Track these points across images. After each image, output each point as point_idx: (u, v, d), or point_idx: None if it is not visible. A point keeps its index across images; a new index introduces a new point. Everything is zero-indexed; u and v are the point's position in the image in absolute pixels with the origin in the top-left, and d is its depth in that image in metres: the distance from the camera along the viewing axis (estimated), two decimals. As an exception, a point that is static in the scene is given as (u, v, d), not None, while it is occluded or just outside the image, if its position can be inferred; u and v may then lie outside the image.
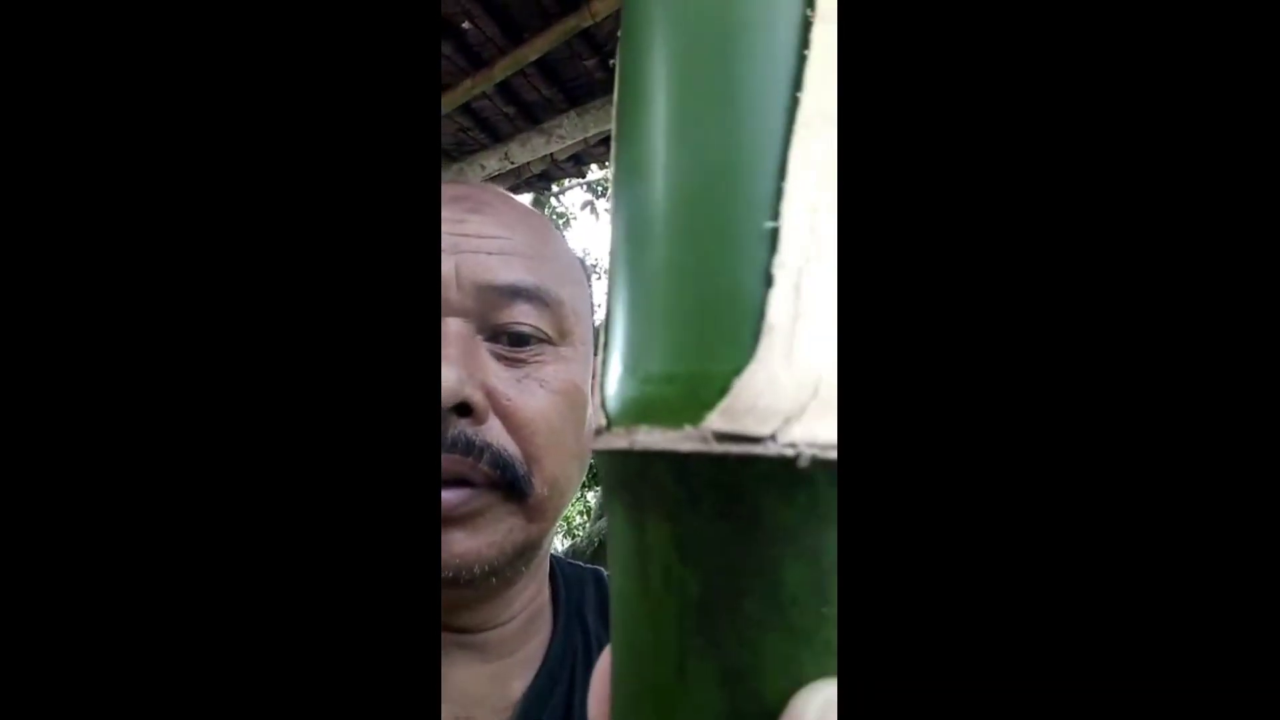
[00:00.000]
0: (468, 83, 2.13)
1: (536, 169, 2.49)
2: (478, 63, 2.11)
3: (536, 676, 0.42)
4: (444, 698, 0.38)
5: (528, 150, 2.34)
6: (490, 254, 0.38)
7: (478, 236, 0.39)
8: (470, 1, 1.91)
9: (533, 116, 2.32)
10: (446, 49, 2.05)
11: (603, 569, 0.51)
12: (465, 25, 1.98)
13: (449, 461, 0.36)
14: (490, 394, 0.38)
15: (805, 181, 0.17)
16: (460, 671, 0.40)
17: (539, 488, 0.38)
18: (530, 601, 0.43)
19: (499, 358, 0.39)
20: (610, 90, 1.72)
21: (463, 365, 0.37)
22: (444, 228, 0.38)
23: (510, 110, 2.30)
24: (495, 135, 2.38)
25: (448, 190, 0.42)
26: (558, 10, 1.91)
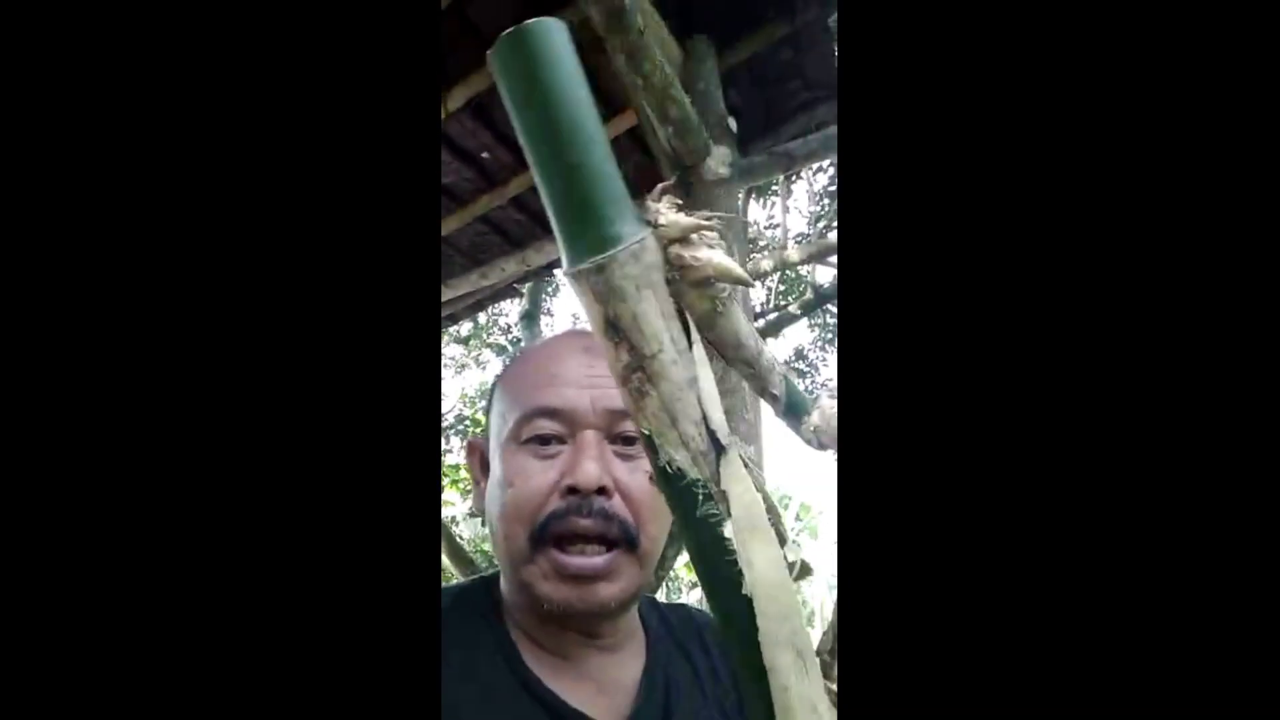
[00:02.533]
0: (485, 199, 2.47)
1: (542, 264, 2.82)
2: (494, 182, 2.45)
3: (646, 664, 0.61)
4: (590, 679, 0.57)
5: (543, 255, 2.71)
6: (611, 389, 0.56)
7: (602, 376, 0.58)
8: (488, 136, 2.25)
9: (544, 224, 2.67)
10: (468, 173, 2.40)
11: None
12: (484, 155, 2.33)
13: (594, 524, 0.54)
14: (615, 479, 0.56)
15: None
16: (599, 662, 0.59)
17: (645, 543, 0.57)
18: (633, 617, 0.63)
19: (617, 454, 0.57)
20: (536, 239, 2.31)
21: (599, 462, 0.55)
22: (582, 370, 0.58)
23: (523, 218, 2.66)
24: (513, 241, 2.74)
25: (581, 340, 0.62)
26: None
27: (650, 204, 0.30)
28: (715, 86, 1.94)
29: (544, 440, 0.57)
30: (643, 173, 2.33)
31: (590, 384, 0.57)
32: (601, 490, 0.54)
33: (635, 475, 0.56)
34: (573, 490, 0.55)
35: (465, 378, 8.64)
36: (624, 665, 0.61)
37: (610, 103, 2.11)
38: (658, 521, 0.57)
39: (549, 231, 2.73)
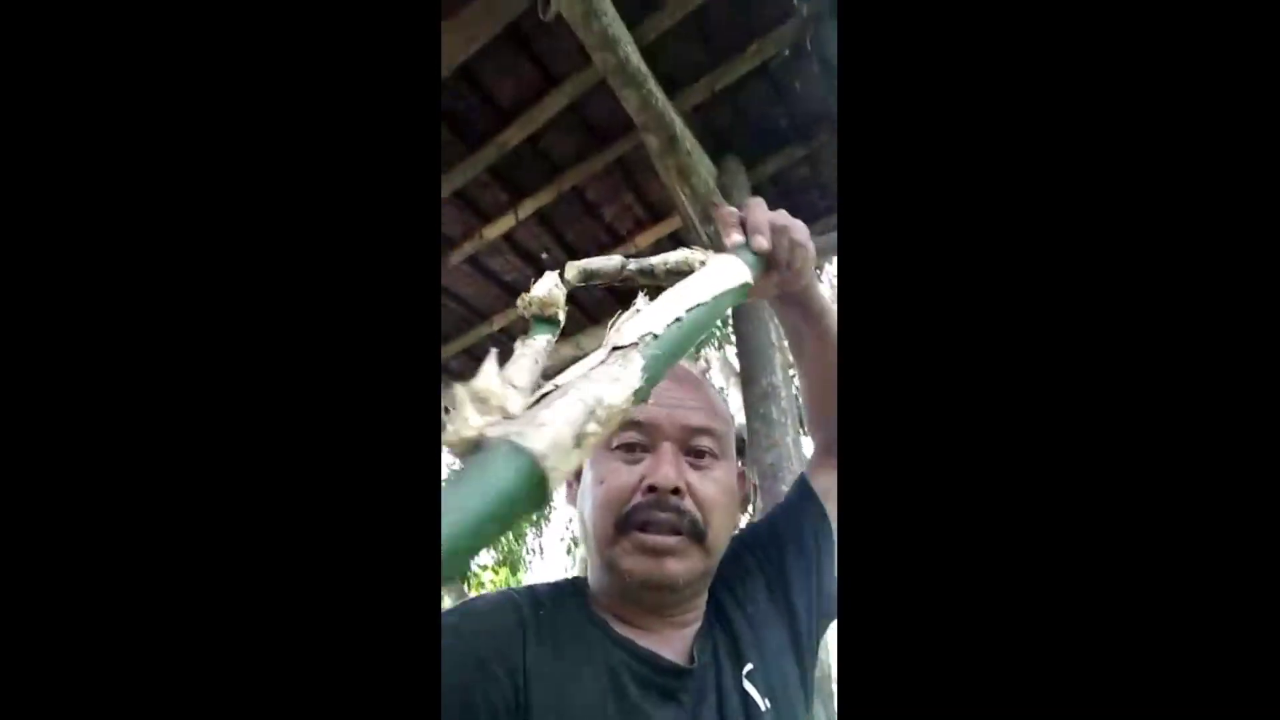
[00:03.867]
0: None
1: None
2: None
3: (699, 637, 0.69)
4: (663, 650, 0.65)
5: (594, 339, 3.02)
6: (688, 409, 0.69)
7: (680, 398, 0.69)
8: (548, 238, 2.65)
9: (592, 315, 3.06)
10: (529, 270, 2.78)
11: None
12: (544, 254, 2.71)
13: (669, 517, 0.65)
14: (688, 483, 0.67)
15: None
16: (670, 634, 0.68)
17: (710, 535, 0.67)
18: (701, 602, 0.72)
19: (690, 463, 0.68)
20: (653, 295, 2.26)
21: (675, 468, 0.66)
22: (664, 392, 0.68)
23: (570, 308, 3.02)
24: (564, 333, 3.09)
25: (674, 371, 0.69)
26: (610, 242, 2.62)
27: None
28: (746, 193, 2.26)
29: (630, 448, 0.68)
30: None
31: (670, 404, 0.69)
32: (676, 490, 0.66)
33: (704, 480, 0.68)
34: (652, 489, 0.65)
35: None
36: (685, 641, 0.70)
37: (656, 211, 2.50)
38: (721, 519, 0.69)
39: (595, 322, 3.03)
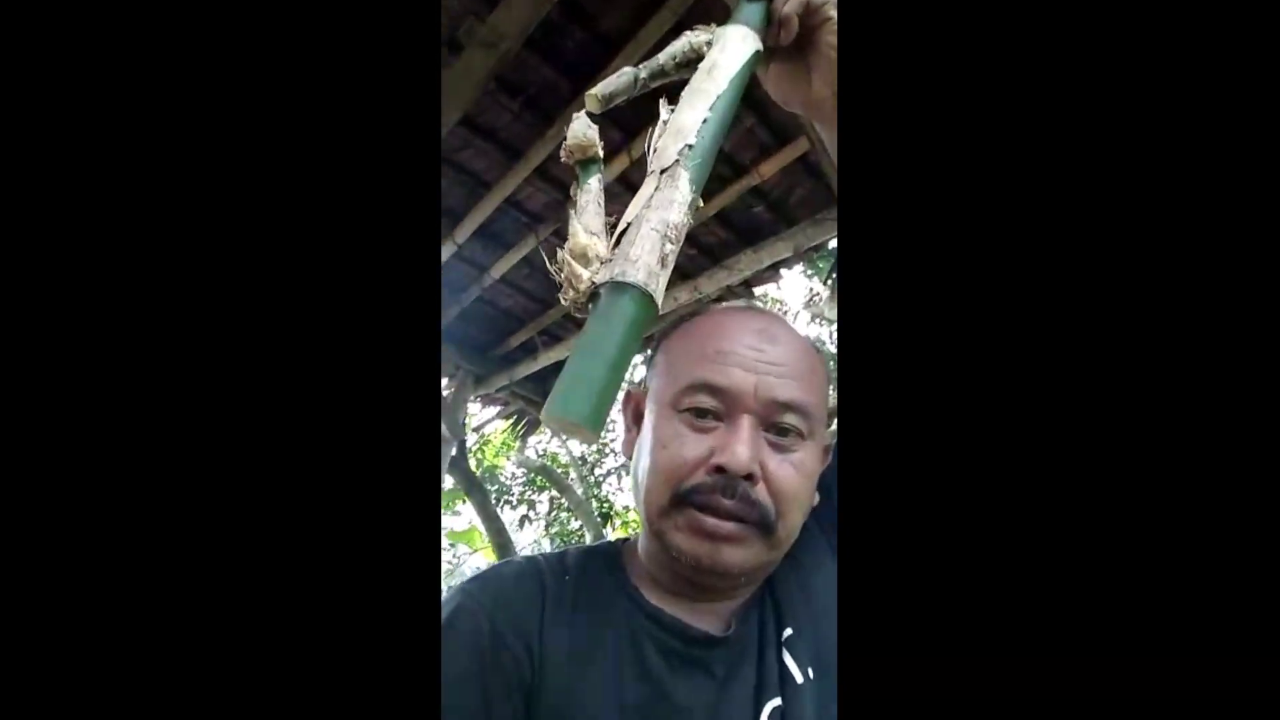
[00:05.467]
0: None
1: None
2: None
3: (742, 605, 0.64)
4: (698, 619, 0.61)
5: (714, 282, 2.77)
6: (777, 377, 0.59)
7: (769, 363, 0.59)
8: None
9: (714, 255, 2.75)
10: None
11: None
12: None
13: (736, 506, 0.56)
14: (763, 467, 0.58)
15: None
16: (707, 608, 0.62)
17: (781, 530, 0.59)
18: (757, 582, 0.65)
19: (770, 442, 0.59)
20: (778, 231, 2.51)
21: (752, 449, 0.57)
22: (751, 352, 0.59)
23: (693, 252, 2.73)
24: (684, 275, 2.80)
25: (757, 320, 0.63)
26: (730, 174, 2.34)
27: None
28: None
29: (701, 414, 0.59)
30: (811, 195, 2.41)
31: (756, 369, 0.59)
32: (749, 476, 0.57)
33: (783, 466, 0.58)
34: (720, 470, 0.56)
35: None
36: (735, 608, 0.64)
37: (781, 134, 2.09)
38: (797, 512, 0.60)
39: (717, 261, 2.72)
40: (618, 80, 0.52)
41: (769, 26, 0.55)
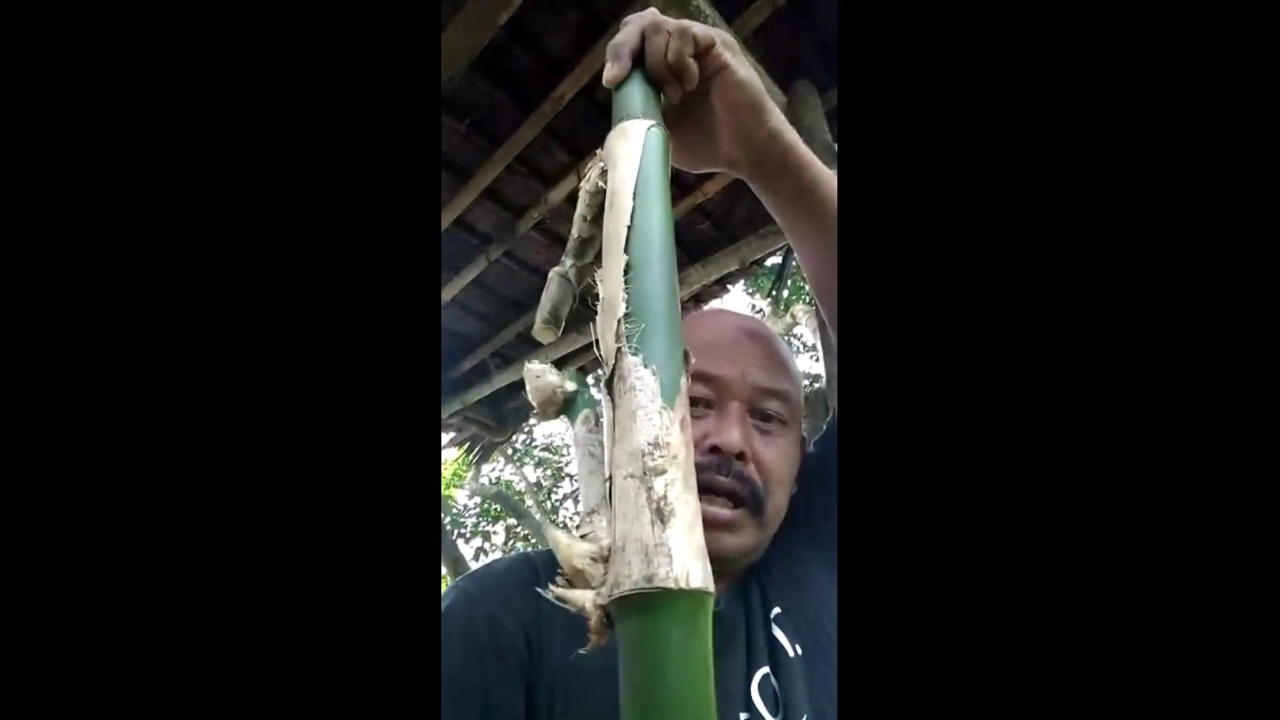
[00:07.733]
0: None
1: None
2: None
3: (731, 585, 0.66)
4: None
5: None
6: (761, 368, 0.65)
7: (754, 355, 0.66)
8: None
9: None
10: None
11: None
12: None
13: (730, 482, 0.61)
14: (751, 447, 0.63)
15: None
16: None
17: (769, 507, 0.63)
18: (746, 564, 0.67)
19: (756, 426, 0.64)
20: (723, 246, 2.65)
21: (741, 431, 0.62)
22: (735, 345, 0.65)
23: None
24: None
25: (740, 321, 0.70)
26: (677, 193, 2.40)
27: None
28: (821, 121, 2.12)
29: (693, 402, 0.62)
30: (752, 211, 2.48)
31: (743, 360, 0.65)
32: (740, 455, 0.62)
33: (769, 448, 0.64)
34: (715, 450, 0.61)
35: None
36: (723, 588, 0.67)
37: None
38: (783, 490, 0.66)
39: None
40: (553, 293, 0.47)
41: (659, 94, 0.51)
